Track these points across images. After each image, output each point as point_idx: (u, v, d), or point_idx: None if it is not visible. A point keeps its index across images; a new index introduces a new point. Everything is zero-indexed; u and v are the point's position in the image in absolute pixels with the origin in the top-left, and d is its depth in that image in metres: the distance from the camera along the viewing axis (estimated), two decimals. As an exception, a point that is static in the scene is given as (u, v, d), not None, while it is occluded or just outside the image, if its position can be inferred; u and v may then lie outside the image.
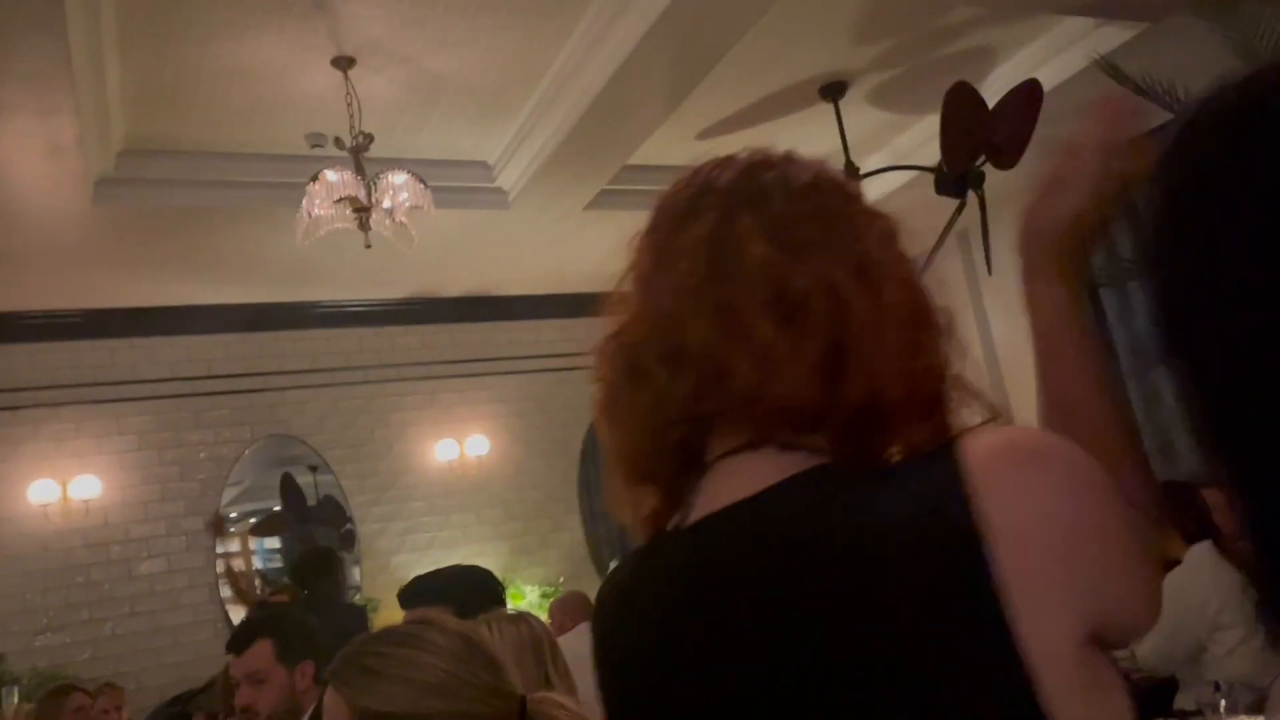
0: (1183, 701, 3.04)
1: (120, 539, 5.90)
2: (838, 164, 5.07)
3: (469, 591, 2.41)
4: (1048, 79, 4.67)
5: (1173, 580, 3.10)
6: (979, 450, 0.69)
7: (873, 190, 6.26)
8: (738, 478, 0.77)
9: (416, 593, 2.44)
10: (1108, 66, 3.58)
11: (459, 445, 6.75)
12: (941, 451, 0.71)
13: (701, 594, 0.76)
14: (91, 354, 6.04)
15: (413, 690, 1.17)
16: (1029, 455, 0.69)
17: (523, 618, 1.85)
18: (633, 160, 5.31)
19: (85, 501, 5.77)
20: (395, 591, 6.37)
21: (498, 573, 6.77)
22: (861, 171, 5.02)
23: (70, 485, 5.75)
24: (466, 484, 6.74)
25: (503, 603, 2.53)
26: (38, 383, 5.88)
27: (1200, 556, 3.10)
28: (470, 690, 1.19)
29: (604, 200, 5.65)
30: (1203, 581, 3.04)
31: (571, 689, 1.65)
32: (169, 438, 6.14)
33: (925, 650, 0.64)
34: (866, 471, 0.73)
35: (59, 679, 4.97)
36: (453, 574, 2.54)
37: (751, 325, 0.77)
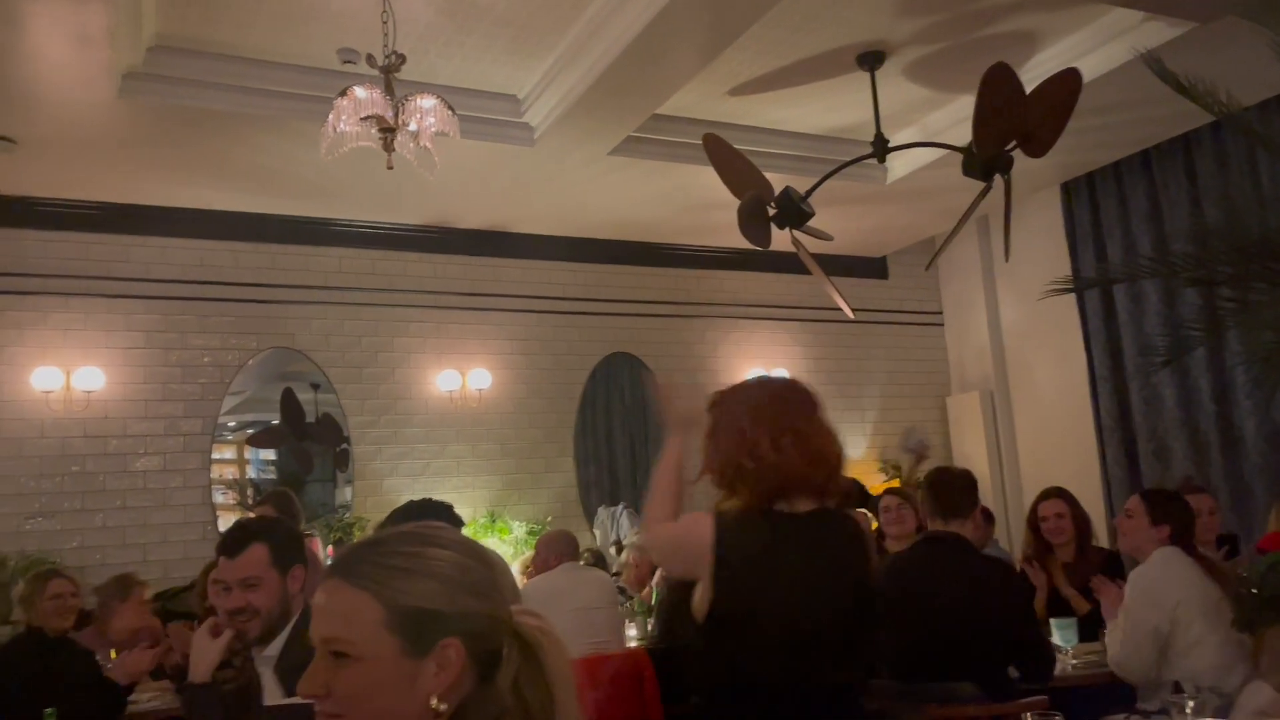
0: (1147, 703, 3.10)
1: (118, 433, 5.96)
2: (868, 134, 5.03)
3: (458, 523, 2.53)
4: (1089, 70, 4.62)
5: (1138, 577, 3.16)
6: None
7: (900, 166, 6.22)
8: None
9: (424, 508, 2.51)
10: (1152, 63, 3.52)
11: (461, 377, 6.78)
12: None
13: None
14: (105, 248, 6.05)
15: (451, 588, 1.16)
16: None
17: None
18: (662, 110, 5.27)
19: (87, 393, 5.82)
20: (385, 514, 6.45)
21: (487, 506, 6.89)
22: (890, 145, 4.98)
23: (74, 375, 5.80)
24: (465, 416, 6.79)
25: None
26: (49, 270, 5.90)
27: (1167, 555, 3.16)
28: (497, 594, 1.20)
29: (630, 147, 5.61)
30: (1167, 576, 3.10)
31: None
32: (175, 339, 6.17)
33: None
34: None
35: (45, 564, 5.04)
36: (445, 504, 2.62)
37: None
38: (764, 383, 2.32)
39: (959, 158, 4.49)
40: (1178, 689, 2.78)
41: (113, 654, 4.23)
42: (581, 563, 5.11)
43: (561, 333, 7.22)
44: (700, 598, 2.05)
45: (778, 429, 2.10)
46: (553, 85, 5.06)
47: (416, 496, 6.48)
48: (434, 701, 1.13)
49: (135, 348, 6.06)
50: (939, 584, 3.10)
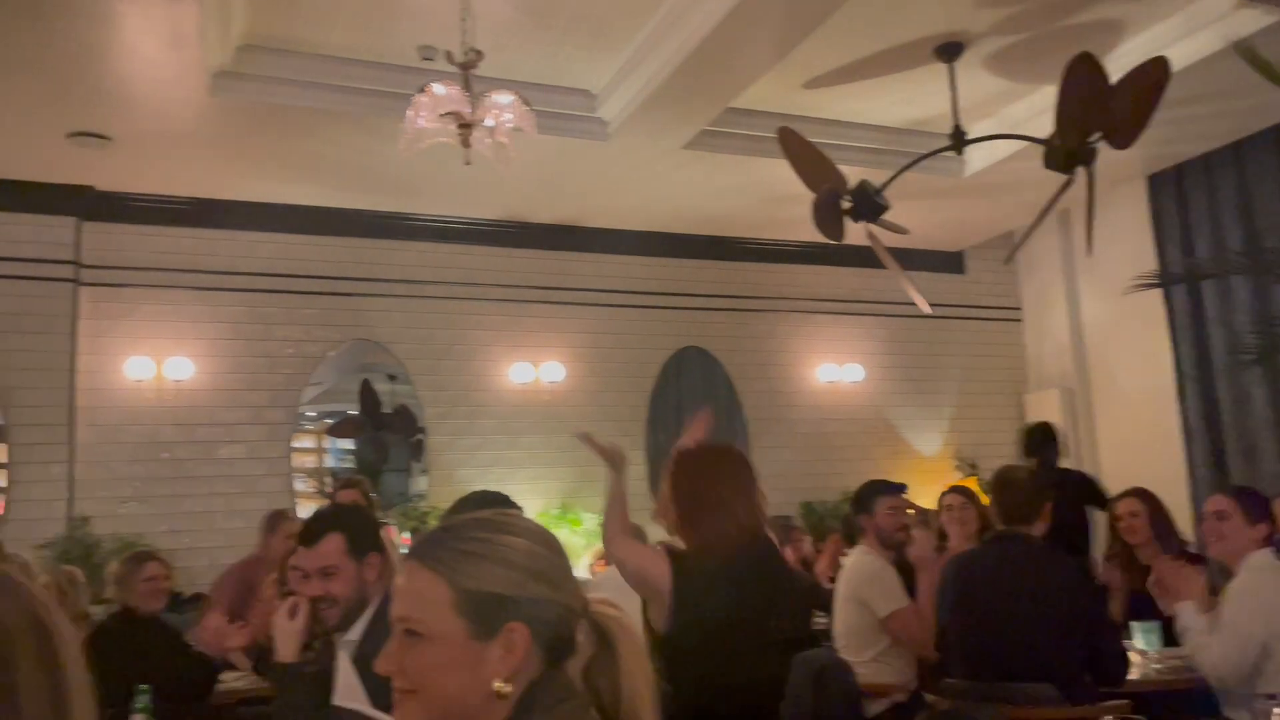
0: (1234, 710, 3.01)
1: (206, 421, 6.16)
2: (945, 127, 4.96)
3: None
4: (1178, 59, 4.49)
5: (1243, 588, 3.04)
6: None
7: (978, 158, 6.12)
8: None
9: (483, 500, 2.56)
10: (1245, 51, 3.41)
11: (534, 369, 6.86)
12: None
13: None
14: (194, 241, 6.26)
15: (519, 574, 1.19)
16: None
17: None
18: (736, 103, 5.26)
19: (177, 382, 6.03)
20: (460, 503, 6.50)
21: (559, 498, 6.95)
22: (969, 137, 4.89)
23: (165, 365, 6.01)
24: (537, 408, 6.86)
25: None
26: (142, 263, 6.12)
27: (1263, 562, 3.04)
28: (568, 581, 1.23)
29: (704, 141, 5.61)
30: (1269, 585, 2.98)
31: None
32: (260, 330, 6.36)
33: None
34: None
35: (138, 547, 5.23)
36: (503, 495, 2.70)
37: None
38: (726, 451, 2.86)
39: (1039, 150, 4.40)
40: (1272, 698, 2.69)
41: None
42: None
43: (634, 326, 7.25)
44: (656, 617, 2.67)
45: (751, 493, 2.72)
46: (627, 80, 5.08)
47: (490, 487, 6.57)
48: (497, 684, 1.15)
49: (222, 339, 6.26)
50: (1006, 583, 3.05)
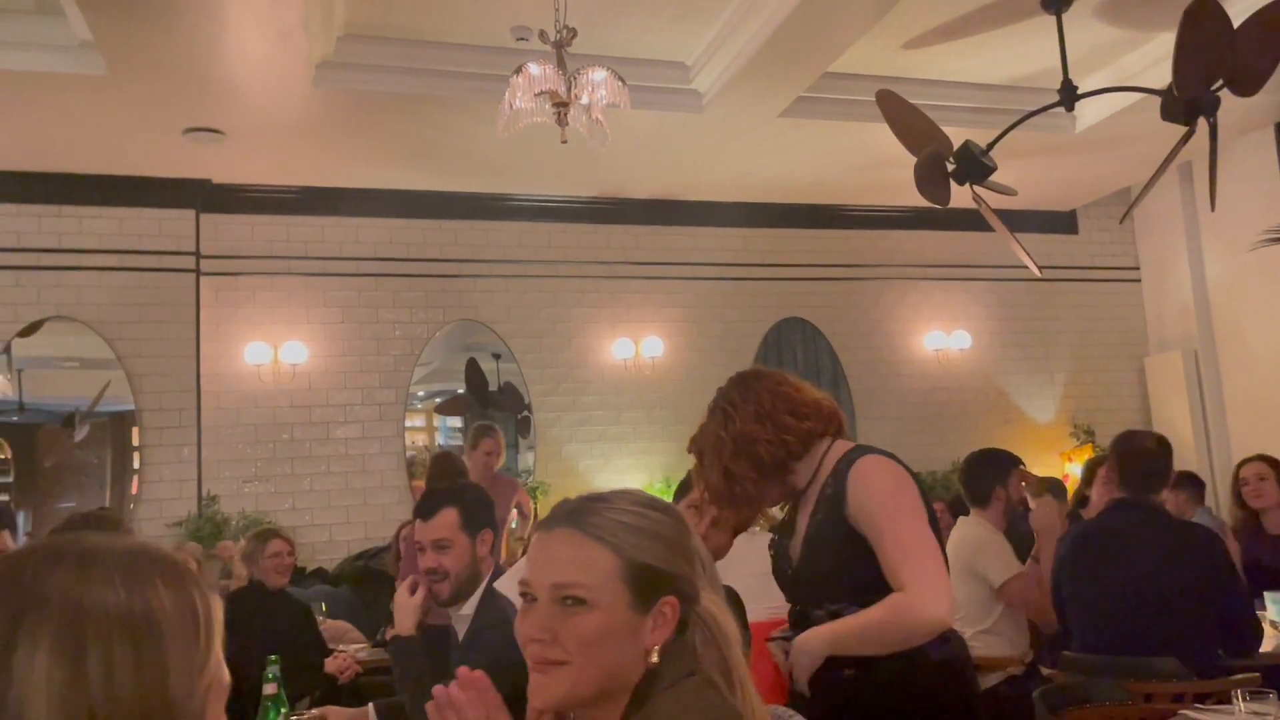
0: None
1: (321, 403, 6.39)
2: (1054, 81, 4.77)
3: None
4: (1308, -3, 4.20)
5: None
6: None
7: (1090, 113, 5.86)
8: None
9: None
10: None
11: (634, 345, 6.89)
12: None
13: None
14: (304, 229, 6.47)
15: (671, 549, 1.22)
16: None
17: None
18: (833, 68, 5.15)
19: (293, 366, 6.26)
20: (566, 477, 6.72)
21: (663, 472, 6.98)
22: (1080, 91, 4.69)
23: (281, 350, 6.24)
24: (639, 383, 6.90)
25: None
26: (256, 252, 6.36)
27: None
28: (701, 565, 1.26)
29: (800, 108, 5.51)
30: None
31: (718, 589, 1.65)
32: (368, 314, 6.54)
33: None
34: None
35: (262, 524, 5.46)
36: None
37: None
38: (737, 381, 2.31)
39: (1157, 101, 4.19)
40: None
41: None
42: (755, 529, 5.11)
43: (733, 299, 7.21)
44: None
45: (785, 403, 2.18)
46: (721, 50, 5.02)
47: (595, 462, 6.69)
48: (654, 655, 1.18)
49: (334, 323, 6.46)
50: (1131, 552, 2.95)
